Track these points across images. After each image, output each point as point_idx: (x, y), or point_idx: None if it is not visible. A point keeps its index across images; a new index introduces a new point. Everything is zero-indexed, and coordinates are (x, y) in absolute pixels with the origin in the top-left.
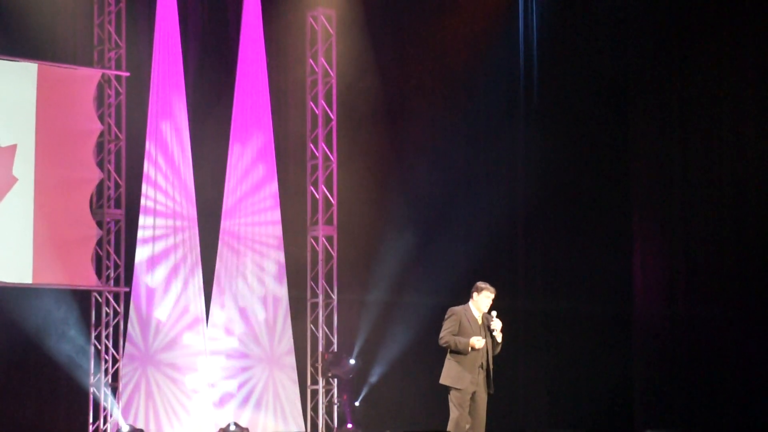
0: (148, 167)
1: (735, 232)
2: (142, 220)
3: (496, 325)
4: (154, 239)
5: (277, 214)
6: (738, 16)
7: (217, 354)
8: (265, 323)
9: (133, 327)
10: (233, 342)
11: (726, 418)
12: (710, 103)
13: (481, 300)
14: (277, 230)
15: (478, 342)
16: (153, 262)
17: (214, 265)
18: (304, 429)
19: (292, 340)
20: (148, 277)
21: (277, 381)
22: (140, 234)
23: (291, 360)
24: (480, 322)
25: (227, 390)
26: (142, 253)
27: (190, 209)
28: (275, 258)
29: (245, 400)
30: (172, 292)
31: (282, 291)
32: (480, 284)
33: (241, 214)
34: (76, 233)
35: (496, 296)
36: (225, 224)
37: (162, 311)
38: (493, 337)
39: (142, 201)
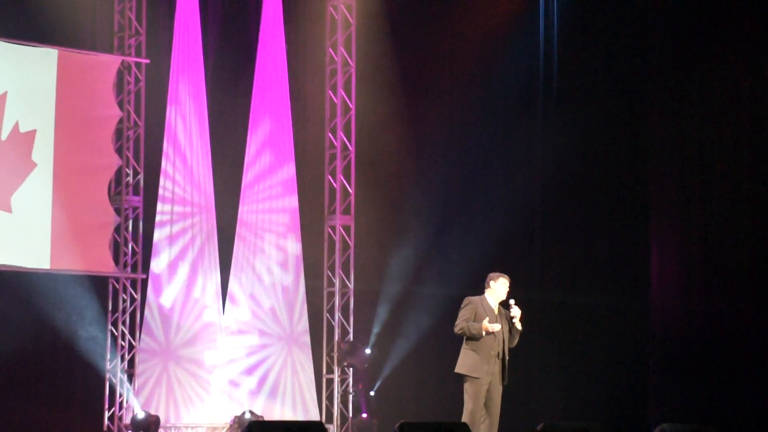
0: (166, 154)
1: (752, 227)
2: (160, 207)
3: (516, 312)
4: (171, 226)
5: (294, 201)
6: (759, 11)
7: (235, 334)
8: (284, 302)
9: (153, 315)
10: (252, 320)
11: (741, 412)
12: (730, 98)
13: (499, 287)
14: (295, 217)
15: (493, 325)
16: (170, 248)
17: (232, 250)
18: (319, 418)
19: (307, 321)
20: (162, 263)
21: (295, 359)
22: (158, 220)
23: (307, 339)
24: (496, 312)
25: (247, 365)
26: (159, 239)
27: (208, 196)
28: (291, 245)
29: (263, 378)
30: (186, 276)
31: (299, 276)
32: (494, 273)
33: (259, 201)
34: (94, 219)
35: (511, 286)
36: (243, 211)
37: (174, 296)
38: (512, 325)
39: (160, 188)
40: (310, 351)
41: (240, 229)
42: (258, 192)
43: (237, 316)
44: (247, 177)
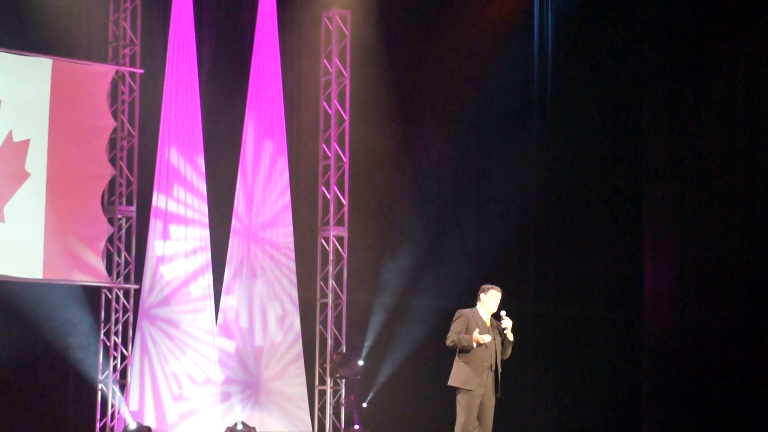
0: (160, 164)
1: (746, 241)
2: (153, 218)
3: (507, 323)
4: (164, 238)
5: (288, 213)
6: (754, 18)
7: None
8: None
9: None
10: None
11: (734, 425)
12: (724, 109)
13: (489, 300)
14: (288, 230)
15: (483, 336)
16: (165, 259)
17: (225, 262)
18: (311, 429)
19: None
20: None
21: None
22: (151, 231)
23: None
24: (488, 324)
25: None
26: (154, 251)
27: (201, 207)
28: (285, 257)
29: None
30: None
31: (292, 291)
32: (486, 285)
33: (253, 212)
34: (87, 229)
35: (505, 298)
36: (235, 223)
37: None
38: (504, 336)
39: (154, 199)
40: (302, 368)
41: (233, 240)
42: (252, 203)
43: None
44: (241, 188)
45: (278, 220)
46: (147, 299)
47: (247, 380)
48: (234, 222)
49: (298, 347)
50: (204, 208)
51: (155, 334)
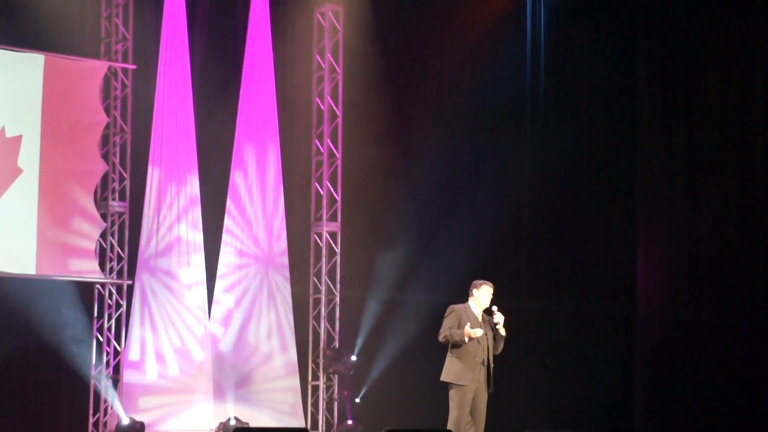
0: (153, 160)
1: (740, 235)
2: (147, 213)
3: (499, 318)
4: (157, 234)
5: (281, 210)
6: (747, 19)
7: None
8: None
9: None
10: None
11: (727, 421)
12: (718, 105)
13: (482, 295)
14: (282, 227)
15: (474, 331)
16: (156, 255)
17: (218, 259)
18: (304, 424)
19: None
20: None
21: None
22: (144, 229)
23: (285, 260)
24: (480, 319)
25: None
26: (146, 248)
27: (194, 203)
28: (279, 256)
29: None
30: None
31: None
32: (477, 281)
33: (244, 206)
34: (80, 225)
35: (498, 294)
36: (228, 220)
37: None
38: (496, 331)
39: (147, 192)
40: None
41: (225, 242)
42: (244, 197)
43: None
44: (233, 184)
45: (273, 219)
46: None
47: (237, 383)
48: (227, 220)
49: (293, 356)
50: (197, 204)
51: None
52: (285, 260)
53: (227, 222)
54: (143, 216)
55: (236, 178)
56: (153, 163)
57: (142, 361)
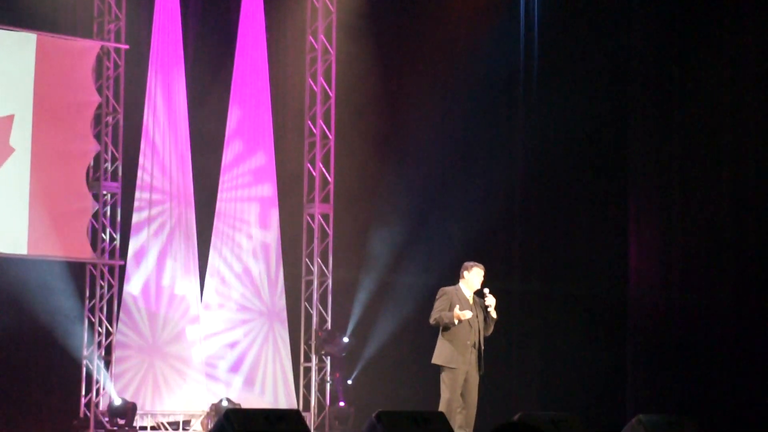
0: (145, 141)
1: (732, 219)
2: (138, 194)
3: (491, 301)
4: (149, 216)
5: (272, 189)
6: (742, 10)
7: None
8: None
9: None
10: (232, 294)
11: (718, 404)
12: (712, 90)
13: (473, 277)
14: (273, 205)
15: (463, 313)
16: (148, 237)
17: (210, 237)
18: (296, 406)
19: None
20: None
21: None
22: (136, 207)
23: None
24: (471, 301)
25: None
26: (137, 227)
27: (186, 184)
28: (268, 234)
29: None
30: (166, 268)
31: (278, 261)
32: (468, 263)
33: (237, 188)
34: (72, 205)
35: (490, 276)
36: (221, 198)
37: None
38: (487, 314)
39: (138, 175)
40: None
41: (218, 218)
42: (236, 178)
43: (218, 290)
44: (225, 164)
45: (262, 196)
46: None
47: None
48: (219, 197)
49: (284, 327)
50: (190, 184)
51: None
52: (277, 244)
53: (219, 201)
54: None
55: (228, 157)
56: (145, 152)
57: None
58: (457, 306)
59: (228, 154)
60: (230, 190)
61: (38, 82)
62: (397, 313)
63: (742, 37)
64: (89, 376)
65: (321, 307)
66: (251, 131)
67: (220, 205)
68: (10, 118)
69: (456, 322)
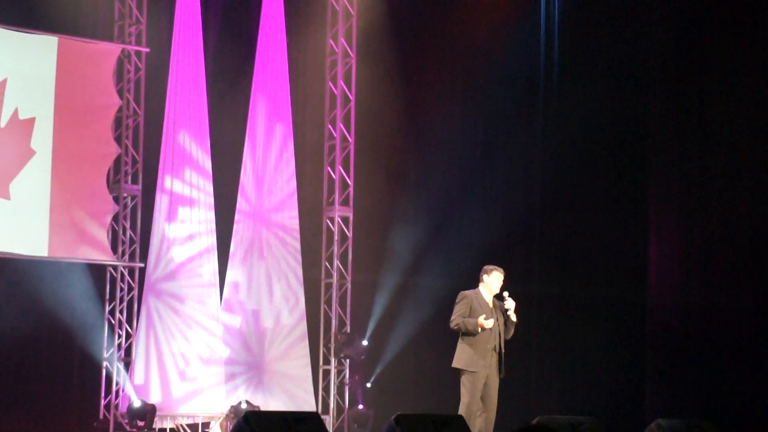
0: (166, 143)
1: (752, 221)
2: (159, 197)
3: (510, 304)
4: (170, 218)
5: (295, 195)
6: (764, 12)
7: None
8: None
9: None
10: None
11: (738, 408)
12: (730, 91)
13: (492, 281)
14: (294, 212)
15: (487, 322)
16: (170, 239)
17: (230, 243)
18: (315, 409)
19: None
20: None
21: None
22: (157, 209)
23: (297, 244)
24: (491, 305)
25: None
26: (161, 229)
27: (206, 187)
28: (291, 238)
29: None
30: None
31: (298, 269)
32: (488, 266)
33: (263, 193)
34: (93, 208)
35: (509, 279)
36: (241, 202)
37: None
38: (507, 317)
39: (159, 178)
40: (307, 349)
41: (238, 221)
42: (257, 182)
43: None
44: (246, 168)
45: (286, 202)
46: (153, 274)
47: (250, 361)
48: (240, 201)
49: (303, 327)
50: (210, 188)
51: (161, 308)
52: (297, 244)
53: (240, 203)
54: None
55: (248, 161)
56: (165, 150)
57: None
58: (483, 316)
59: (248, 157)
60: (250, 193)
61: (59, 85)
62: (417, 316)
63: (762, 38)
64: (109, 378)
65: (340, 310)
66: (272, 134)
67: (239, 209)
68: (32, 120)
69: (479, 330)
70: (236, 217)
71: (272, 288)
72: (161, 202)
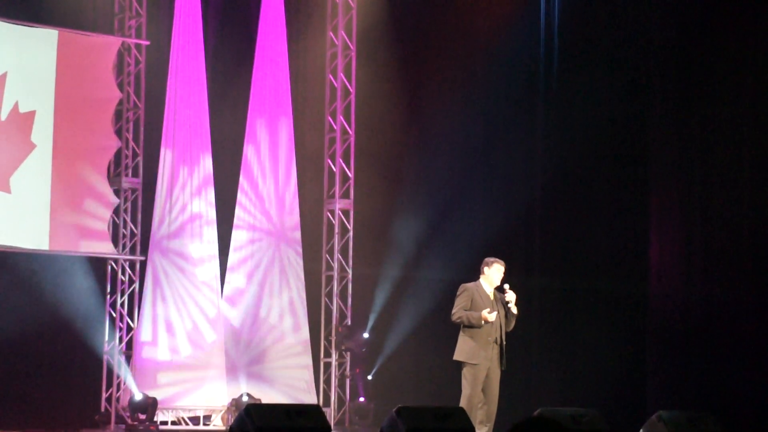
0: (165, 138)
1: (753, 214)
2: (159, 190)
3: (511, 297)
4: (170, 215)
5: (293, 186)
6: (765, 7)
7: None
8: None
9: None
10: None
11: (739, 400)
12: (731, 85)
13: (493, 273)
14: (295, 204)
15: (490, 315)
16: (169, 236)
17: (230, 236)
18: (316, 401)
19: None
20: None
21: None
22: (157, 208)
23: (297, 235)
24: (492, 297)
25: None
26: (158, 229)
27: (207, 183)
28: (291, 232)
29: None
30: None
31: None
32: (489, 259)
33: (257, 183)
34: (93, 201)
35: (510, 272)
36: (241, 196)
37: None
38: (507, 310)
39: (159, 171)
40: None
41: (239, 213)
42: (256, 174)
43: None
44: (246, 159)
45: (285, 192)
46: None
47: (250, 361)
48: (240, 197)
49: (305, 334)
50: (210, 185)
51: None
52: (297, 235)
53: (240, 197)
54: (156, 196)
55: (249, 154)
56: (166, 142)
57: (155, 341)
58: (487, 309)
59: (248, 149)
60: (250, 185)
61: (60, 78)
62: (418, 309)
63: (763, 33)
64: (110, 371)
65: (341, 303)
66: (272, 126)
67: (240, 201)
68: (32, 114)
69: (483, 323)
70: (236, 212)
71: (273, 282)
72: (161, 198)
